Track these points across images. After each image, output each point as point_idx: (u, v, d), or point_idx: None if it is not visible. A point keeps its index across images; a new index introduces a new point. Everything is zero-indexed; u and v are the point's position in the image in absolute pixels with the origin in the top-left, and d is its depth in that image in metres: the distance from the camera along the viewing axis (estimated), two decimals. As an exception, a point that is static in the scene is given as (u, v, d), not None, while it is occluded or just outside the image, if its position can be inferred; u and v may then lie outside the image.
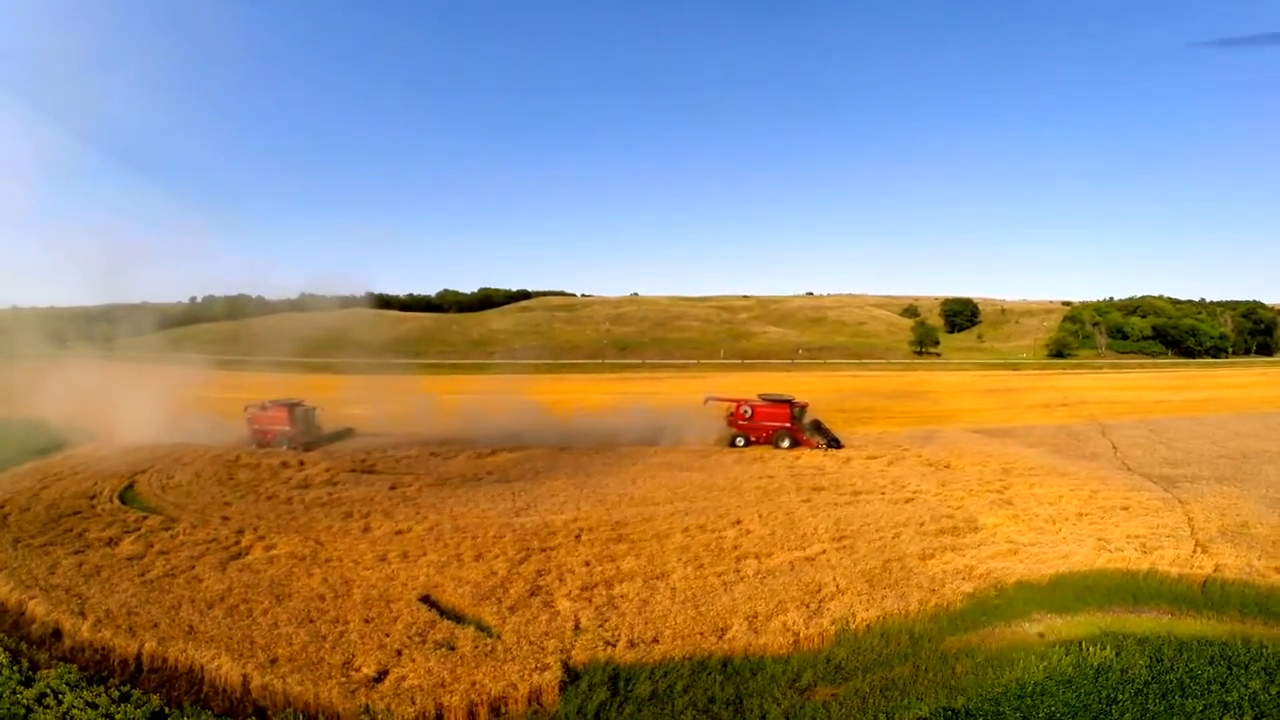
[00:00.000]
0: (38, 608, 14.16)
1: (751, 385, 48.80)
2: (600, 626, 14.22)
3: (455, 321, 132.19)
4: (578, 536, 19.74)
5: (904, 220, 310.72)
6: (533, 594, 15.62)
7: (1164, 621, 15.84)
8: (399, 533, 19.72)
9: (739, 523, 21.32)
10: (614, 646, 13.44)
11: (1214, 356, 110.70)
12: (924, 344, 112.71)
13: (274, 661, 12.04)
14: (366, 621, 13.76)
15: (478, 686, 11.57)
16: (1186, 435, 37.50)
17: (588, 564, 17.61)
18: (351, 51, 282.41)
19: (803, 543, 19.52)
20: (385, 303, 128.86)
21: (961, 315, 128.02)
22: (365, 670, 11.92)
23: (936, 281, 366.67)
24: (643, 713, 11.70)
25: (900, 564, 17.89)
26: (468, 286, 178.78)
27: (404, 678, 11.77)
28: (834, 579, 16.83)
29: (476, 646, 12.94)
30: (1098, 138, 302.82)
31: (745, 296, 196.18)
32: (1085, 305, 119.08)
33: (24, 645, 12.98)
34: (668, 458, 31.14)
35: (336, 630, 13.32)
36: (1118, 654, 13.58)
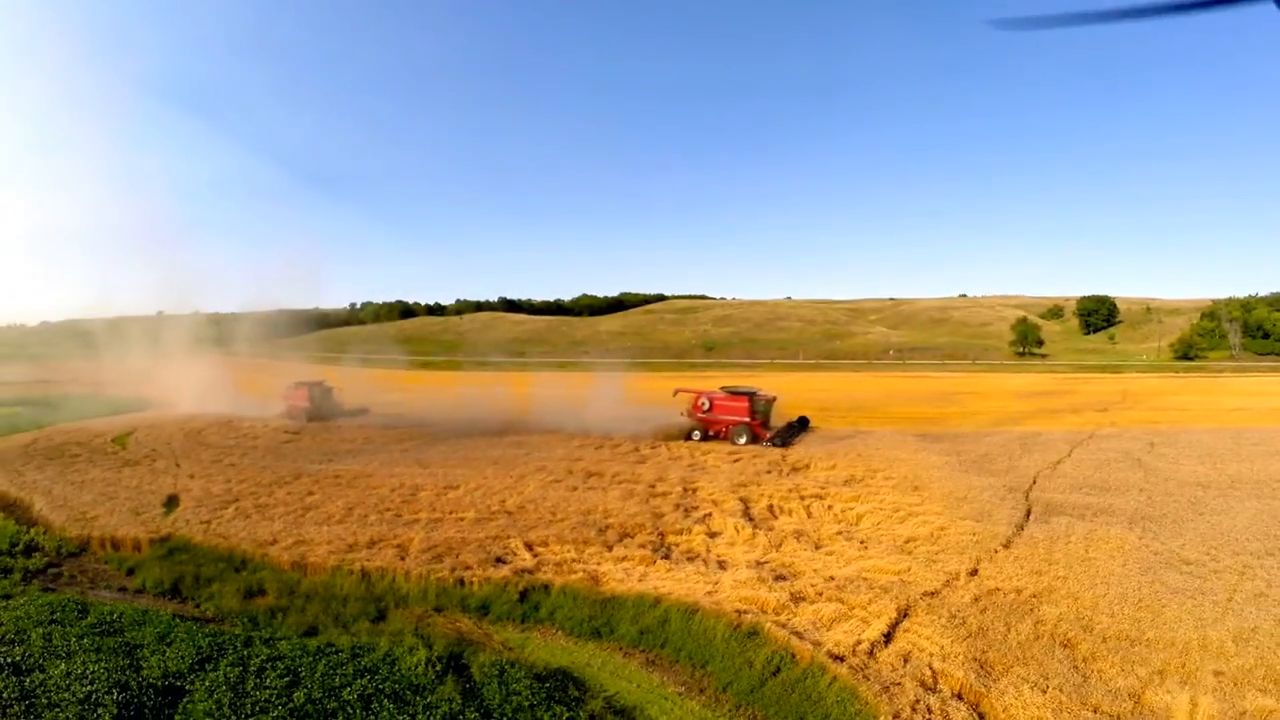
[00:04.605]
0: (3, 484, 26.86)
1: (786, 383, 49.09)
2: (226, 524, 20.79)
3: (566, 324, 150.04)
4: (319, 480, 27.05)
5: (1066, 218, 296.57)
6: (229, 501, 24.11)
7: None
8: (231, 464, 30.62)
9: (454, 488, 25.00)
10: (205, 535, 19.92)
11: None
12: (1026, 344, 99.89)
13: (59, 507, 23.49)
14: (126, 500, 24.48)
15: (111, 530, 20.74)
16: (1187, 453, 31.63)
17: (291, 494, 24.94)
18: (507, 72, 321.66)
19: (453, 509, 22.49)
20: (514, 306, 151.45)
21: (1096, 315, 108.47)
22: (88, 515, 22.49)
23: (1096, 282, 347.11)
24: (164, 566, 17.70)
25: (479, 547, 18.66)
26: (621, 290, 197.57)
27: (98, 521, 21.83)
28: (409, 537, 19.41)
29: (151, 517, 22.42)
30: None
31: (886, 299, 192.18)
32: (1230, 301, 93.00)
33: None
34: (538, 440, 36.11)
35: (107, 500, 24.29)
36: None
